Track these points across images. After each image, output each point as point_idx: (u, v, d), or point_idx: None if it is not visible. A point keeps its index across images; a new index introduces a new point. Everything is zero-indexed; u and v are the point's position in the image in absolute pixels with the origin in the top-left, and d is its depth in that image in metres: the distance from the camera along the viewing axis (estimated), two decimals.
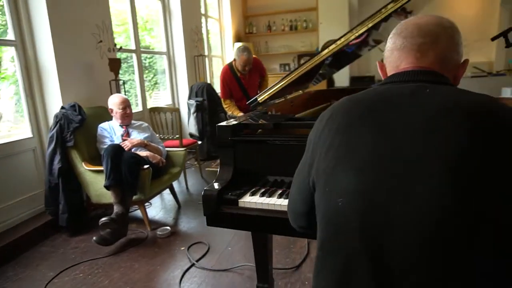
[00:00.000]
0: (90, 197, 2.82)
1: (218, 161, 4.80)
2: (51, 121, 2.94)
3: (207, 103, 4.63)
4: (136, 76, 4.31)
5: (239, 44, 7.04)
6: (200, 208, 3.21)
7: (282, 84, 1.88)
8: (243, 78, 3.64)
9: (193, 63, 5.28)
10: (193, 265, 2.25)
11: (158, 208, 3.24)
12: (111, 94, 3.37)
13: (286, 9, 7.50)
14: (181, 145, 3.65)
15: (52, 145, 2.70)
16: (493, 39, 1.74)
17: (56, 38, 2.86)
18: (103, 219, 2.36)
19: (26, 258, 2.46)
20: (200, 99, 4.57)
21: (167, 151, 3.15)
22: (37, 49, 2.87)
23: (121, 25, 4.26)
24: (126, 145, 2.80)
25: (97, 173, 2.72)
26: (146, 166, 2.64)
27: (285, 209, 1.27)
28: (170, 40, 5.01)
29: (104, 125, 2.96)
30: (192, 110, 4.47)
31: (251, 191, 1.39)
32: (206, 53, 6.00)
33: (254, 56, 3.68)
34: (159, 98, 5.16)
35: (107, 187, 2.50)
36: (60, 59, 2.90)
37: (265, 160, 1.45)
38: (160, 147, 3.05)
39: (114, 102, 2.94)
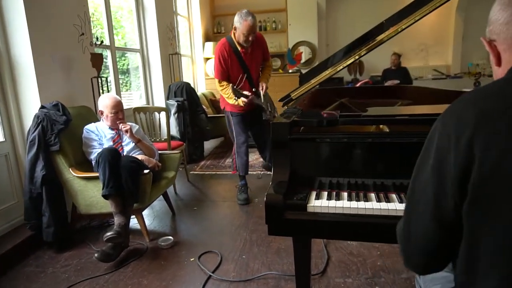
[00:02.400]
0: (78, 207, 2.51)
1: (202, 163, 4.56)
2: (26, 123, 2.59)
3: (187, 104, 4.41)
4: (111, 75, 3.98)
5: (209, 43, 6.86)
6: (196, 214, 3.02)
7: (312, 84, 1.79)
8: (245, 53, 2.92)
9: (168, 61, 5.01)
10: (210, 277, 2.07)
11: (150, 216, 2.98)
12: (93, 92, 3.07)
13: (255, 9, 7.29)
14: (169, 148, 3.41)
15: (34, 150, 2.36)
16: None
17: (33, 29, 2.51)
18: (109, 234, 2.10)
19: (9, 281, 2.12)
20: (180, 99, 4.34)
21: (159, 154, 2.92)
22: (10, 42, 2.50)
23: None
24: (126, 126, 2.60)
25: (87, 180, 2.43)
26: (146, 171, 2.41)
27: (364, 212, 1.18)
28: (144, 37, 4.71)
29: (90, 127, 2.66)
30: (173, 110, 4.22)
31: (314, 194, 1.28)
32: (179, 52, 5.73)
33: (258, 32, 3.02)
34: (132, 99, 4.82)
35: (106, 196, 2.23)
36: (37, 53, 2.56)
37: (324, 159, 1.34)
38: (153, 148, 2.81)
39: (105, 104, 2.65)
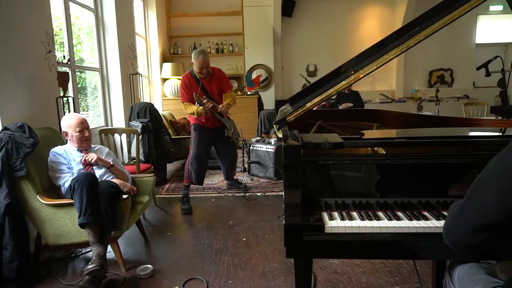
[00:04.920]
0: (46, 237, 2.30)
1: (166, 186, 4.44)
2: None
3: (151, 125, 4.28)
4: (70, 94, 3.75)
5: (167, 64, 6.79)
6: (171, 240, 2.90)
7: (308, 107, 1.84)
8: (204, 80, 3.54)
9: (128, 81, 4.86)
10: None
11: (121, 244, 2.78)
12: (58, 113, 2.88)
13: (212, 32, 7.53)
14: (138, 171, 3.28)
15: None
16: (478, 68, 2.01)
17: None
18: (91, 266, 1.94)
19: None
20: (144, 120, 4.21)
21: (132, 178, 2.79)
22: None
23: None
24: (92, 157, 2.42)
25: (58, 208, 2.25)
26: (125, 196, 2.29)
27: (379, 231, 1.24)
28: (104, 56, 4.54)
29: (58, 149, 2.48)
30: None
31: (326, 215, 1.31)
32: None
33: (217, 68, 3.70)
34: (88, 120, 4.57)
35: (83, 225, 2.07)
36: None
37: (334, 181, 1.38)
38: (126, 172, 2.68)
39: (69, 123, 2.51)
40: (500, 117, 4.06)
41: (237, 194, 3.99)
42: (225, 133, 3.63)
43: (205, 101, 3.36)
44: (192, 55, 3.46)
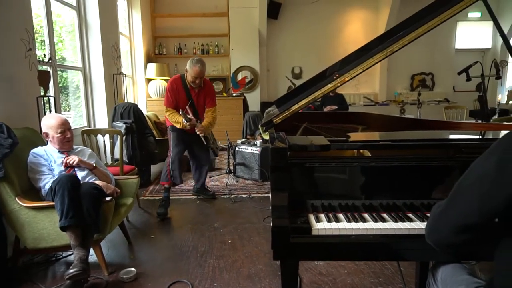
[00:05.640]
0: (24, 241, 2.23)
1: (150, 188, 4.39)
2: None
3: (135, 126, 4.22)
4: (51, 94, 3.66)
5: (152, 65, 6.72)
6: (155, 242, 2.87)
7: (295, 110, 1.85)
8: (192, 90, 3.44)
9: (112, 81, 4.78)
10: None
11: (104, 247, 2.71)
12: (38, 112, 2.81)
13: (198, 33, 7.48)
14: (122, 172, 3.22)
15: None
16: (459, 73, 2.06)
17: None
18: (72, 270, 1.88)
19: None
20: (129, 121, 4.15)
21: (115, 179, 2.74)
22: None
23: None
24: (73, 159, 2.36)
25: (37, 210, 2.18)
26: (108, 198, 2.24)
27: (365, 232, 1.25)
28: (87, 55, 4.45)
29: (38, 150, 2.42)
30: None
31: (313, 217, 1.31)
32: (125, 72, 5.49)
33: (209, 81, 3.63)
34: (70, 120, 4.46)
35: (64, 227, 2.02)
36: None
37: (320, 183, 1.39)
38: (109, 174, 2.63)
39: (50, 124, 2.44)
40: (480, 121, 4.18)
41: (222, 196, 3.97)
42: (205, 143, 3.58)
43: (190, 116, 3.32)
44: (188, 62, 3.34)
